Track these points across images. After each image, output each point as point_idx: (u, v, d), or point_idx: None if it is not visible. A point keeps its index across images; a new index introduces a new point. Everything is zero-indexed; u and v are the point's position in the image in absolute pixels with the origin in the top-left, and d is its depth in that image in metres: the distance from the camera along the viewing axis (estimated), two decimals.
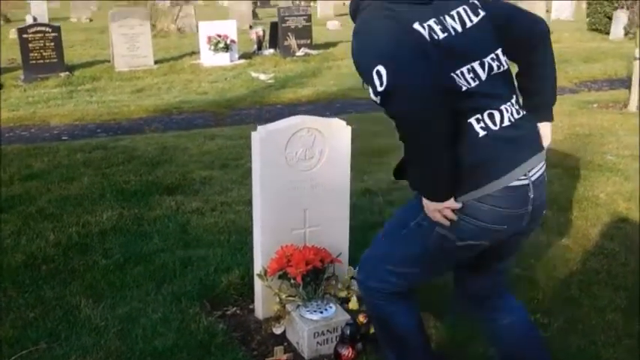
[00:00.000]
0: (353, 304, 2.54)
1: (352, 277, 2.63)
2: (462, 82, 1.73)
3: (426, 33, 1.70)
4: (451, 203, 1.73)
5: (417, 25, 1.70)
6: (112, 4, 15.25)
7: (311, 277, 2.47)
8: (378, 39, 1.68)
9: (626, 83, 7.55)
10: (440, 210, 1.74)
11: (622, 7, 13.87)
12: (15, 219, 3.74)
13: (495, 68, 1.79)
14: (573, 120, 6.16)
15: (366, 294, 2.03)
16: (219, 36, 9.87)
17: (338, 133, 2.60)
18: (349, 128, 2.60)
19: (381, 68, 1.61)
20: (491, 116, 1.75)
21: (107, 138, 5.92)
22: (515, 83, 1.93)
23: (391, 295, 1.95)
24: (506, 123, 1.77)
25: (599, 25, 14.51)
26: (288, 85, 8.62)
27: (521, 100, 1.91)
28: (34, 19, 15.93)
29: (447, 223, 1.75)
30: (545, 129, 1.95)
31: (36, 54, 9.33)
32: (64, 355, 2.36)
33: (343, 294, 2.59)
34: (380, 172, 4.45)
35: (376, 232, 3.37)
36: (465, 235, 1.77)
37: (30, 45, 9.29)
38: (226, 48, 9.92)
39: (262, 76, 9.15)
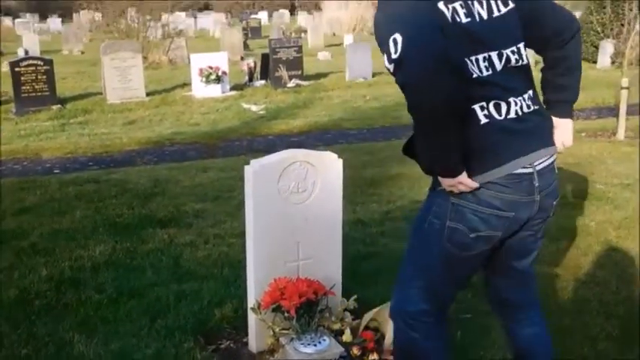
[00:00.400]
0: (347, 336, 2.55)
1: (345, 309, 2.65)
2: (475, 69, 1.74)
3: (448, 14, 1.73)
4: (465, 179, 1.73)
5: (441, 5, 1.73)
6: (104, 36, 15.35)
7: (304, 309, 2.48)
8: (401, 10, 1.69)
9: (613, 112, 7.68)
10: (455, 185, 1.75)
11: (608, 37, 14.17)
12: (7, 254, 3.73)
13: (513, 61, 1.80)
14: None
15: (399, 325, 1.98)
16: (211, 68, 9.98)
17: (330, 166, 2.64)
18: (340, 161, 2.64)
19: (397, 36, 1.63)
20: (497, 106, 1.76)
21: (99, 171, 5.93)
22: (540, 77, 1.95)
23: (426, 327, 1.93)
24: (512, 115, 1.77)
25: (586, 54, 14.79)
26: (279, 116, 8.70)
27: (537, 96, 1.91)
28: (26, 51, 16.03)
29: (468, 189, 1.74)
30: (566, 125, 1.96)
31: (28, 87, 9.38)
32: None
33: (337, 326, 2.60)
34: (371, 202, 4.48)
35: (369, 263, 3.44)
36: (474, 225, 1.78)
37: (22, 78, 9.34)
38: (218, 80, 10.02)
39: (254, 108, 9.24)
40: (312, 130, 7.70)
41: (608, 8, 13.54)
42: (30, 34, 19.77)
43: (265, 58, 11.10)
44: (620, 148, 6.55)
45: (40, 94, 9.43)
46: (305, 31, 22.24)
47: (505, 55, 1.79)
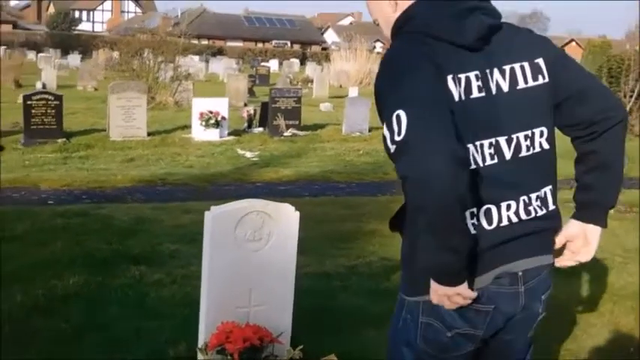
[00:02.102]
0: None
1: (291, 358, 2.78)
2: (478, 157, 1.48)
3: (456, 90, 1.46)
4: (464, 289, 1.47)
5: (449, 79, 1.46)
6: (117, 75, 15.84)
7: (249, 354, 2.62)
8: (407, 78, 1.42)
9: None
10: (450, 296, 1.48)
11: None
12: None
13: (524, 149, 1.52)
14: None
15: None
16: (211, 112, 10.31)
17: (286, 217, 2.82)
18: (297, 214, 2.83)
19: (401, 113, 1.36)
20: (488, 213, 1.49)
21: (90, 205, 6.13)
22: (574, 172, 1.66)
23: None
24: (504, 222, 1.50)
25: None
26: (271, 163, 8.93)
27: (555, 197, 1.62)
28: (44, 85, 16.57)
29: (463, 302, 1.49)
30: (592, 233, 1.62)
31: (37, 120, 9.73)
32: None
33: None
34: (341, 257, 4.63)
35: (325, 316, 3.56)
36: (450, 321, 1.54)
37: (33, 111, 9.71)
38: (217, 124, 10.33)
39: (248, 154, 9.50)
40: (301, 179, 7.91)
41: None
42: (49, 69, 20.40)
43: (265, 106, 11.45)
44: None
45: (47, 127, 9.74)
46: (311, 81, 22.77)
47: (515, 141, 1.51)
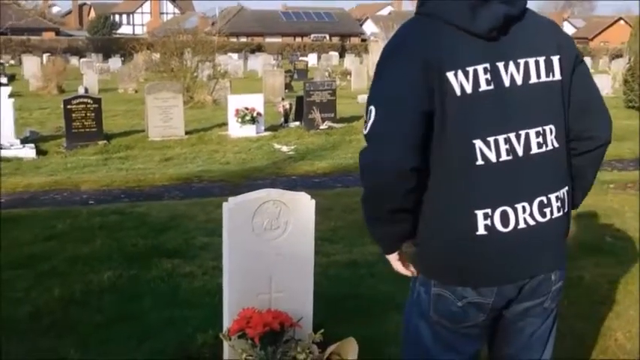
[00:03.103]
0: None
1: (313, 342, 2.83)
2: (490, 153, 1.46)
3: (457, 85, 1.44)
4: (393, 261, 1.70)
5: (450, 75, 1.43)
6: (157, 76, 16.19)
7: (269, 339, 2.68)
8: (386, 73, 1.49)
9: None
10: (392, 262, 1.71)
11: None
12: (29, 275, 4.09)
13: (534, 146, 1.49)
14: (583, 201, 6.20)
15: None
16: (247, 109, 10.45)
17: (302, 206, 2.86)
18: (313, 202, 2.87)
19: (372, 109, 1.48)
20: (504, 216, 1.48)
21: (127, 204, 6.34)
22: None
23: None
24: (521, 225, 1.49)
25: (637, 102, 14.34)
26: (306, 157, 9.01)
27: (570, 197, 1.61)
28: (86, 89, 17.07)
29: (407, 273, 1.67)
30: None
31: (78, 123, 10.06)
32: None
33: (302, 357, 2.77)
34: (370, 244, 4.65)
35: (351, 302, 3.60)
36: (461, 292, 1.57)
37: (73, 115, 10.04)
38: (253, 120, 10.46)
39: (284, 148, 9.61)
40: (335, 171, 7.96)
41: None
42: (91, 74, 21.02)
43: (300, 100, 11.52)
44: None
45: (88, 130, 10.09)
46: (350, 74, 22.73)
47: (524, 137, 1.48)
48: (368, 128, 1.49)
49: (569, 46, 1.59)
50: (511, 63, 1.47)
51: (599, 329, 3.34)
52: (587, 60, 32.67)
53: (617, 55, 33.09)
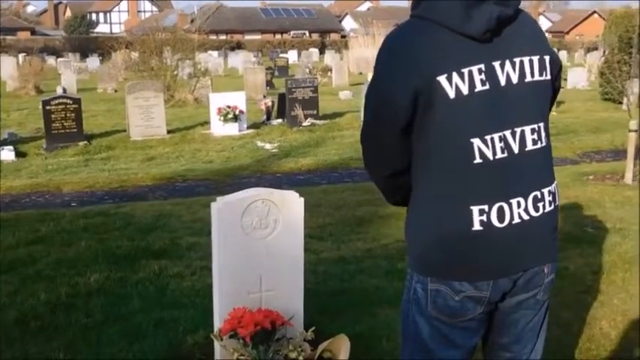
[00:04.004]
0: None
1: (305, 340, 2.84)
2: (487, 151, 1.49)
3: (452, 87, 1.46)
4: None
5: (442, 79, 1.45)
6: (136, 75, 16.03)
7: (261, 337, 2.68)
8: (378, 77, 1.56)
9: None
10: None
11: (636, 77, 13.99)
12: (14, 280, 4.04)
13: (530, 143, 1.53)
14: (563, 192, 6.28)
15: None
16: (229, 107, 10.40)
17: (292, 204, 2.87)
18: (302, 200, 2.87)
19: (365, 110, 1.65)
20: (501, 212, 1.51)
21: (110, 205, 6.28)
22: None
23: None
24: (516, 220, 1.52)
25: (613, 94, 14.62)
26: (290, 154, 9.00)
27: (558, 190, 1.66)
28: (64, 89, 16.83)
29: None
30: None
31: (58, 124, 9.93)
32: None
33: (294, 355, 2.78)
34: (357, 240, 4.68)
35: (341, 298, 3.62)
36: (458, 286, 1.58)
37: (52, 116, 9.90)
38: (235, 118, 10.42)
39: (267, 146, 9.58)
40: (320, 168, 7.96)
41: (635, 47, 13.35)
42: (69, 73, 20.71)
43: (282, 97, 11.50)
44: (624, 192, 6.45)
45: (68, 130, 9.96)
46: (331, 70, 22.73)
47: (519, 134, 1.51)
48: (361, 128, 1.67)
49: (548, 43, 1.67)
50: (507, 62, 1.50)
51: (585, 318, 3.40)
52: (563, 53, 33.19)
53: (592, 48, 33.52)
